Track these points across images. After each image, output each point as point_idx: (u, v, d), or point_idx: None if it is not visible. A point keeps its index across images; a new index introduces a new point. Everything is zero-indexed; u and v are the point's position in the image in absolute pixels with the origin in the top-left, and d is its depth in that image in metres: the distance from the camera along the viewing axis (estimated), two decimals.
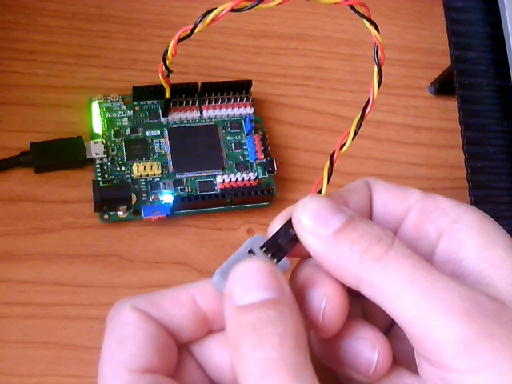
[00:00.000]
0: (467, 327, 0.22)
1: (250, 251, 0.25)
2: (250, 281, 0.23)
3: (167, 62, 0.35)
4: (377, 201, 0.27)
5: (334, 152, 0.25)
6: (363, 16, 0.25)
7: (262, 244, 0.25)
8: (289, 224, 0.25)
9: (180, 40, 0.30)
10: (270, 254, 0.25)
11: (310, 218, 0.24)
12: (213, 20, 0.26)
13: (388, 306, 0.23)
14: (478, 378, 0.21)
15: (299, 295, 0.25)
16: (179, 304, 0.25)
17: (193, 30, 0.28)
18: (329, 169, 0.26)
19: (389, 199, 0.27)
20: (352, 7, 0.25)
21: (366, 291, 0.24)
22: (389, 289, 0.23)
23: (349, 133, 0.25)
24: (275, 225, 0.26)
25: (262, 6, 0.24)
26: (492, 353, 0.21)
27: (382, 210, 0.27)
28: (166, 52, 0.33)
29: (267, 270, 0.23)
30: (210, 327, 0.25)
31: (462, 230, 0.25)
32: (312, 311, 0.24)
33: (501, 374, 0.21)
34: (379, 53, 0.25)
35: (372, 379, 0.25)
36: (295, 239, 0.25)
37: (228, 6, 0.25)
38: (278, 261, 0.25)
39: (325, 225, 0.24)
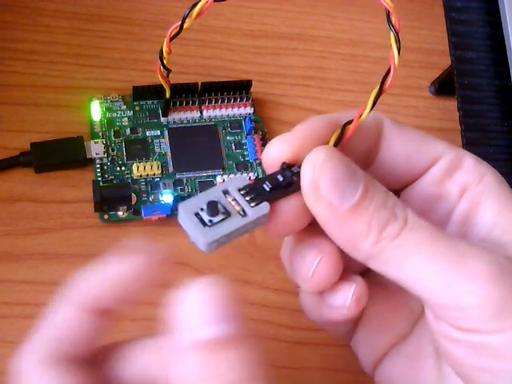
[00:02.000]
0: (494, 291, 0.21)
1: (226, 192, 0.23)
2: (205, 311, 0.20)
3: (164, 61, 0.35)
4: (394, 148, 0.25)
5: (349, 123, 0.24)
6: None
7: (242, 186, 0.23)
8: (284, 169, 0.23)
9: (172, 38, 0.30)
10: (248, 198, 0.23)
11: (328, 184, 0.22)
12: (199, 13, 0.26)
13: (405, 279, 0.23)
14: (509, 334, 0.22)
15: (291, 247, 0.24)
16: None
17: (181, 25, 0.28)
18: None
19: (413, 150, 0.26)
20: None
21: (377, 267, 0.23)
22: (407, 264, 0.22)
23: (365, 107, 0.24)
24: (269, 151, 0.24)
25: None
26: None
27: (400, 160, 0.25)
28: (162, 51, 0.33)
29: (223, 295, 0.21)
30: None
31: (482, 192, 0.25)
32: (303, 268, 0.24)
33: None
34: (392, 18, 0.23)
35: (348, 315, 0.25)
36: (287, 188, 0.23)
37: None
38: (257, 205, 0.23)
39: (342, 195, 0.22)
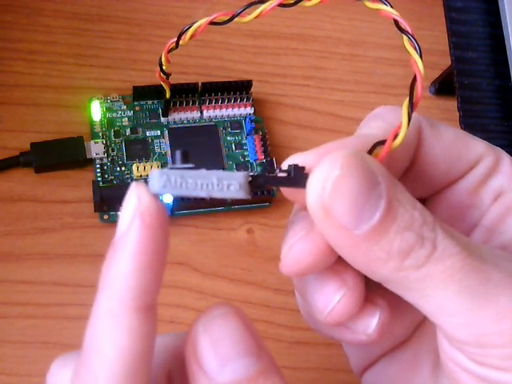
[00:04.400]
0: None
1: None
2: (226, 348, 0.18)
3: (164, 68, 0.35)
4: (433, 154, 0.22)
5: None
6: None
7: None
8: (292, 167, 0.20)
9: (169, 51, 0.30)
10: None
11: (342, 208, 0.18)
12: (192, 35, 0.26)
13: (424, 308, 0.20)
14: None
15: (304, 269, 0.20)
16: None
17: (177, 41, 0.28)
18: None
19: (453, 155, 0.22)
20: None
21: (395, 290, 0.20)
22: (431, 296, 0.19)
23: (401, 125, 0.20)
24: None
25: (239, 19, 0.23)
26: None
27: (439, 167, 0.22)
28: (161, 60, 0.34)
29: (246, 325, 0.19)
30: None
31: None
32: (319, 301, 0.21)
33: None
34: (402, 25, 0.22)
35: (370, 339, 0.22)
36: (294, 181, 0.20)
37: (205, 20, 0.24)
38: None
39: (358, 218, 0.18)
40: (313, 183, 0.19)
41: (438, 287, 0.19)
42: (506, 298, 0.19)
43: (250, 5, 0.22)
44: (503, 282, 0.19)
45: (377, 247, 0.19)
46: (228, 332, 0.19)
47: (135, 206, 0.18)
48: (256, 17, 0.22)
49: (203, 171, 0.20)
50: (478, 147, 0.23)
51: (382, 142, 0.20)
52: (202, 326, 0.19)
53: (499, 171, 0.23)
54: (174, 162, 0.20)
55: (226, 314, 0.19)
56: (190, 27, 0.26)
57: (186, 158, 0.20)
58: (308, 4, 0.22)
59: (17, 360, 0.36)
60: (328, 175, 0.18)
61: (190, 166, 0.20)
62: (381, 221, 0.18)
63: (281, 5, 0.21)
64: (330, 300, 0.21)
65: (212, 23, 0.23)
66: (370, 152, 0.20)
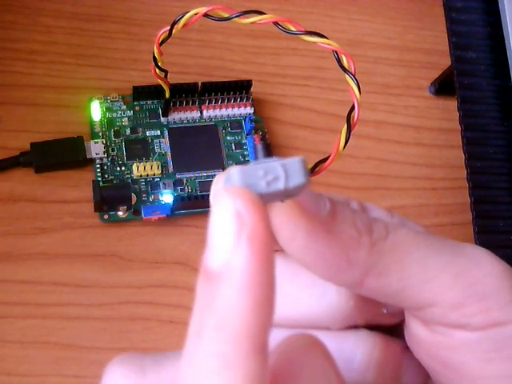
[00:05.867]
0: (506, 270, 0.20)
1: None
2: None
3: (159, 63, 0.35)
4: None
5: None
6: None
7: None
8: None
9: (162, 42, 0.30)
10: None
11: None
12: (185, 24, 0.26)
13: (411, 284, 0.19)
14: None
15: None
16: None
17: (170, 30, 0.28)
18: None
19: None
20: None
21: (378, 282, 0.20)
22: (409, 264, 0.19)
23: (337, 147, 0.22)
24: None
25: (238, 20, 0.23)
26: None
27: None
28: (155, 55, 0.34)
29: None
30: None
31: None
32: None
33: None
34: (343, 59, 0.22)
35: None
36: None
37: (202, 9, 0.24)
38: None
39: (315, 207, 0.19)
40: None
41: (411, 251, 0.19)
42: (471, 249, 0.20)
43: (248, 12, 0.22)
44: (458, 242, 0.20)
45: (344, 225, 0.19)
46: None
47: (236, 226, 0.16)
48: (252, 23, 0.22)
49: (267, 163, 0.18)
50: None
51: (323, 160, 0.22)
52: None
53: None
54: (257, 156, 0.19)
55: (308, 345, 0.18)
56: (183, 16, 0.25)
57: (268, 152, 0.19)
58: (306, 39, 0.22)
59: (17, 360, 0.36)
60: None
61: (274, 159, 0.18)
62: (333, 207, 0.19)
63: (275, 23, 0.22)
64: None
65: (207, 16, 0.23)
66: (313, 169, 0.21)
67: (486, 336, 0.20)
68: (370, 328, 0.22)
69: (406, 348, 0.22)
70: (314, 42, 0.22)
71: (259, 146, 0.19)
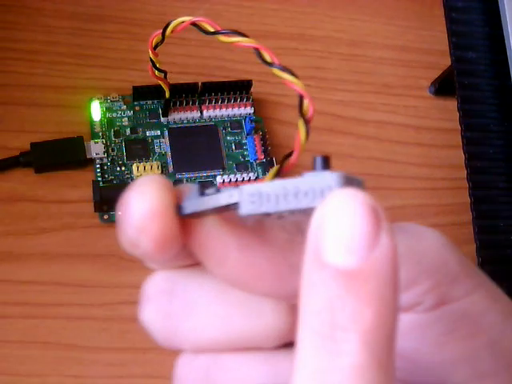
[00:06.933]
0: (454, 250, 0.20)
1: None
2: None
3: (157, 65, 0.35)
4: None
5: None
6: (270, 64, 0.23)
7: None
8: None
9: (155, 46, 0.30)
10: None
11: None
12: (172, 31, 0.26)
13: None
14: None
15: None
16: None
17: (163, 34, 0.28)
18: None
19: None
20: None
21: None
22: None
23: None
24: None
25: (218, 37, 0.23)
26: None
27: None
28: (150, 58, 0.34)
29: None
30: None
31: None
32: None
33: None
34: (305, 102, 0.22)
35: None
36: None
37: (187, 19, 0.24)
38: None
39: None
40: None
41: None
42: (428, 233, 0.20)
43: (234, 32, 0.22)
44: None
45: (276, 230, 0.18)
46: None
47: (374, 219, 0.14)
48: (232, 43, 0.22)
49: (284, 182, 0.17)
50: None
51: (289, 155, 0.22)
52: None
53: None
54: (314, 168, 0.17)
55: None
56: (170, 23, 0.26)
57: (327, 165, 0.18)
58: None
59: (17, 360, 0.36)
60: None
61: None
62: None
63: (255, 49, 0.22)
64: None
65: (194, 25, 0.23)
66: (282, 163, 0.21)
67: (439, 317, 0.19)
68: None
69: None
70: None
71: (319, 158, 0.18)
